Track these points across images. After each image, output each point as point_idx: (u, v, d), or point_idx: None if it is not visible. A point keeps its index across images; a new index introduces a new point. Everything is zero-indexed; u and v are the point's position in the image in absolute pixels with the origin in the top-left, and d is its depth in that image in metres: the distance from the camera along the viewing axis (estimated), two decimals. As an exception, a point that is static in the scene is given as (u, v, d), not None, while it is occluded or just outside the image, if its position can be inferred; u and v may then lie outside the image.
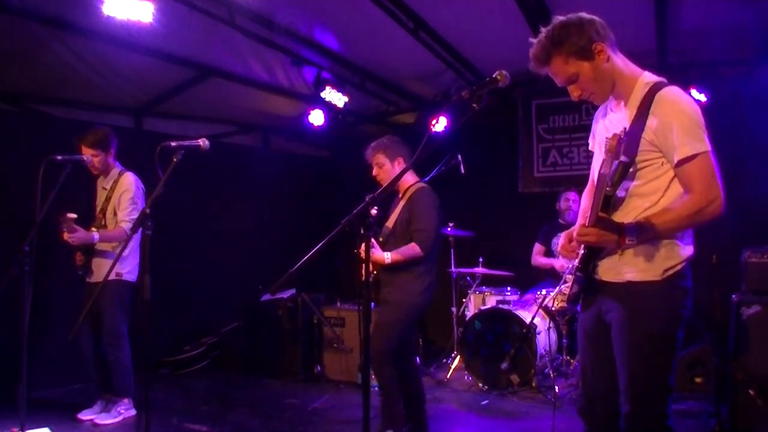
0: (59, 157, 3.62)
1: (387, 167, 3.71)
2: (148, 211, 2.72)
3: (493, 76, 1.98)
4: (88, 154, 4.04)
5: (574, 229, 2.25)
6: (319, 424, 4.21)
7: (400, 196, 3.79)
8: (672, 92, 2.01)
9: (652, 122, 1.98)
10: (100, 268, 4.11)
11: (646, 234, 1.97)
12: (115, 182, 4.18)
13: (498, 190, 6.65)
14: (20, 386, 3.32)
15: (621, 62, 2.11)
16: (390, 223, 3.74)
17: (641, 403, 2.04)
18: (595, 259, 2.12)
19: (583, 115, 6.12)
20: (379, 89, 6.06)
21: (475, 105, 1.99)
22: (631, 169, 2.02)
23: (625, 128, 1.99)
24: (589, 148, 2.42)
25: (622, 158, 1.97)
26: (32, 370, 3.47)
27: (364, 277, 2.12)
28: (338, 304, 5.50)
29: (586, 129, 6.46)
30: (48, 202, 3.44)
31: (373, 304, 3.79)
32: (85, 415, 4.12)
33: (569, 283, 2.28)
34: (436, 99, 6.30)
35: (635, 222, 1.99)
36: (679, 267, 2.04)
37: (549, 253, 5.60)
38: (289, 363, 5.43)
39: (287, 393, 4.98)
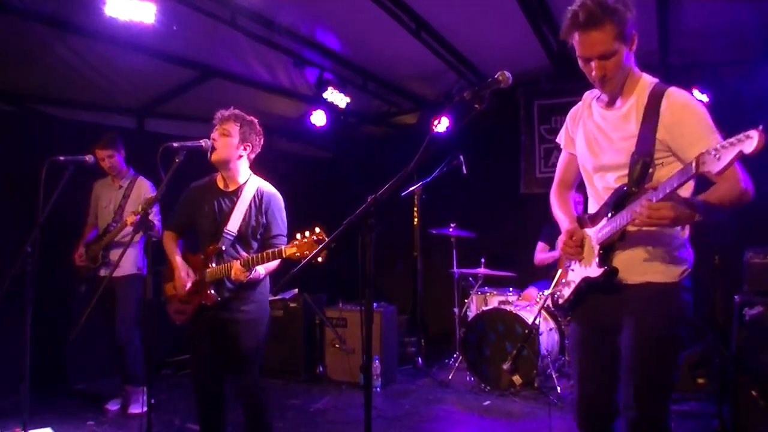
0: (62, 158, 3.62)
1: None
2: (149, 212, 2.74)
3: (495, 76, 1.97)
4: (104, 156, 4.30)
5: (582, 232, 2.21)
6: (321, 424, 4.21)
7: None
8: (679, 92, 2.01)
9: (663, 121, 1.97)
10: (120, 261, 4.19)
11: (708, 210, 1.89)
12: (132, 183, 4.44)
13: (500, 190, 6.65)
14: (22, 386, 3.32)
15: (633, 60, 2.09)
16: None
17: (649, 403, 2.03)
18: (612, 258, 2.08)
19: (584, 115, 6.11)
20: (381, 90, 6.06)
21: (476, 106, 1.98)
22: (650, 170, 2.00)
23: None
24: (562, 146, 2.40)
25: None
26: (34, 369, 3.47)
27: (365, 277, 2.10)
28: (340, 304, 5.50)
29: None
30: (50, 203, 3.44)
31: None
32: (112, 406, 4.38)
33: (567, 283, 2.26)
34: (438, 100, 6.29)
35: (702, 198, 1.90)
36: (689, 268, 2.07)
37: (552, 253, 5.59)
38: (290, 363, 5.43)
39: (289, 393, 4.97)
